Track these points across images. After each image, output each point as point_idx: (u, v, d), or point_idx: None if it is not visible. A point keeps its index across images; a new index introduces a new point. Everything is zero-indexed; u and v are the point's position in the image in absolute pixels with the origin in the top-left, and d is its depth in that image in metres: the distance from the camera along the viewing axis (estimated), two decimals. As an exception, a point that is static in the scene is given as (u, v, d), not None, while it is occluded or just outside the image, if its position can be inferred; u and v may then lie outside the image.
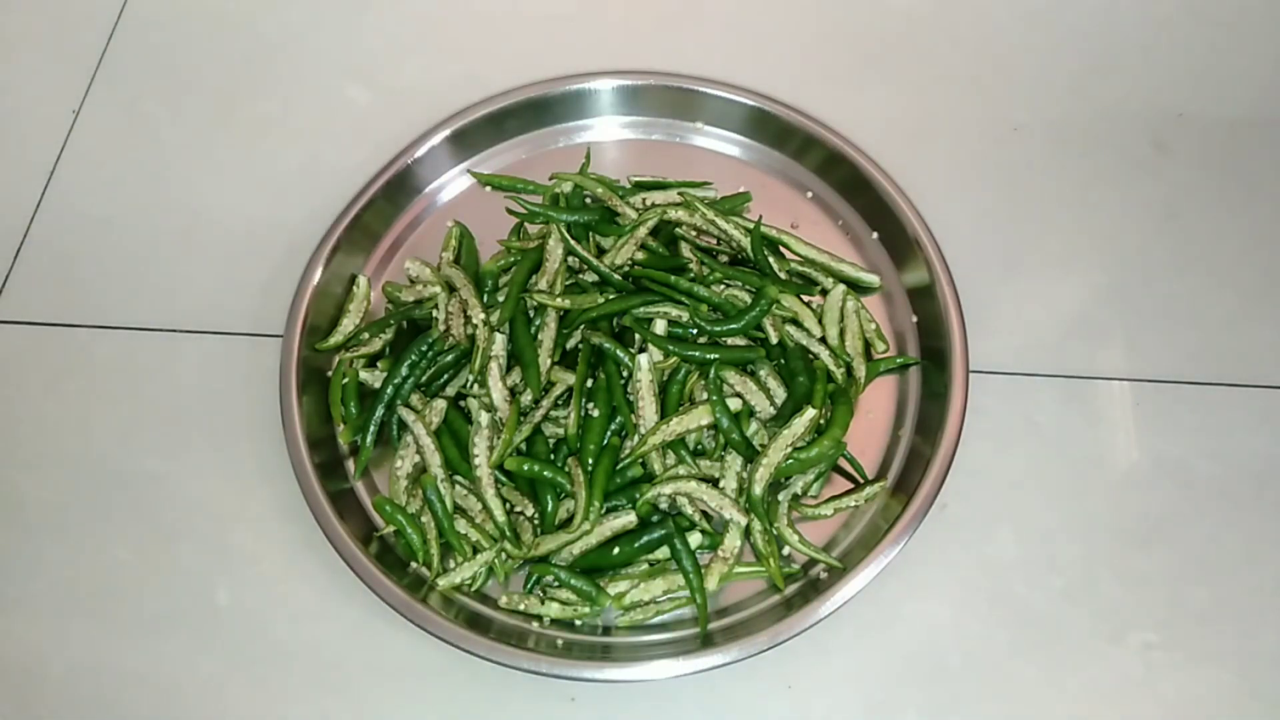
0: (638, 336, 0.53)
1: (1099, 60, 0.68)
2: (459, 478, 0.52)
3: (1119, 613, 0.51)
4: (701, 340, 0.53)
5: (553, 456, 0.52)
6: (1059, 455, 0.54)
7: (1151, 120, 0.65)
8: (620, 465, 0.51)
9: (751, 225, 0.57)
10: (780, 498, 0.51)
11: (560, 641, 0.48)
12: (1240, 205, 0.62)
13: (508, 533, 0.50)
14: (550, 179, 0.61)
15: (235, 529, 0.53)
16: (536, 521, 0.51)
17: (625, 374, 0.53)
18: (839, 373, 0.54)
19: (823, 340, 0.55)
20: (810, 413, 0.50)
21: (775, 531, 0.50)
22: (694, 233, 0.58)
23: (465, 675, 0.49)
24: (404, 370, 0.53)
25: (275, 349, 0.55)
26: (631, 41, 0.69)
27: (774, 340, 0.54)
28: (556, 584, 0.50)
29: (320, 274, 0.56)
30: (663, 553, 0.50)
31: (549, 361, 0.53)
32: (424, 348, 0.54)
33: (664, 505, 0.51)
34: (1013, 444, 0.55)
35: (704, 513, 0.51)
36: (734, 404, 0.52)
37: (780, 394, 0.53)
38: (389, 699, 0.49)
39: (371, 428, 0.53)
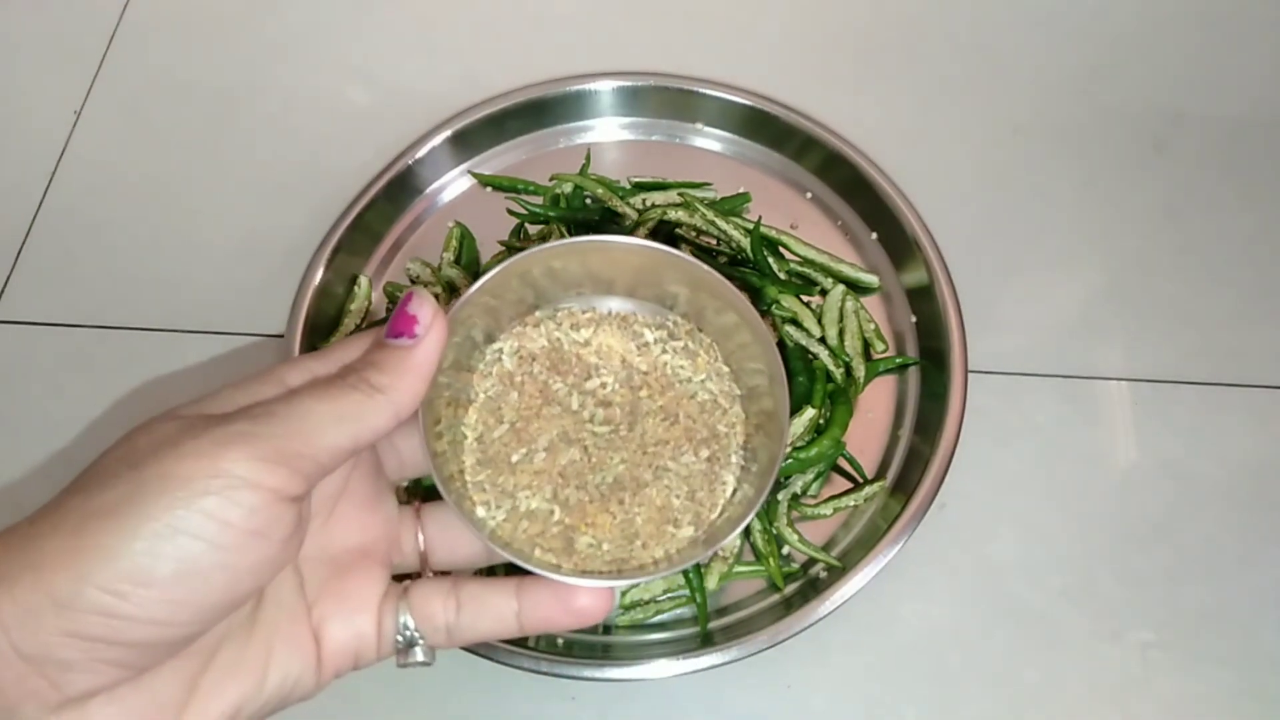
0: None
1: (1099, 60, 0.68)
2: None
3: (1118, 612, 0.51)
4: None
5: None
6: (1058, 455, 0.55)
7: (1151, 120, 0.65)
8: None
9: (751, 226, 0.57)
10: (780, 497, 0.51)
11: (560, 641, 0.48)
12: (1241, 205, 0.62)
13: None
14: (550, 180, 0.61)
15: (236, 529, 0.53)
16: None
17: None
18: (838, 373, 0.54)
19: (822, 340, 0.55)
20: (810, 412, 0.50)
21: (775, 531, 0.50)
22: (694, 233, 0.58)
23: (464, 674, 0.49)
24: (404, 370, 0.53)
25: (277, 349, 0.55)
26: (631, 42, 0.69)
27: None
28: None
29: (321, 274, 0.56)
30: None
31: (549, 361, 0.53)
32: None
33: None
34: (1012, 444, 0.55)
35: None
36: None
37: (780, 394, 0.53)
38: (387, 698, 0.49)
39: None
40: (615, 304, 0.35)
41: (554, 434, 0.33)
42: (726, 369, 0.35)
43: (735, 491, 0.34)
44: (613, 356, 0.35)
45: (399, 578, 0.33)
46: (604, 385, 0.34)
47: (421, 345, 0.29)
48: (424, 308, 0.29)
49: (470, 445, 0.34)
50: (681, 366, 0.35)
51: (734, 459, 0.34)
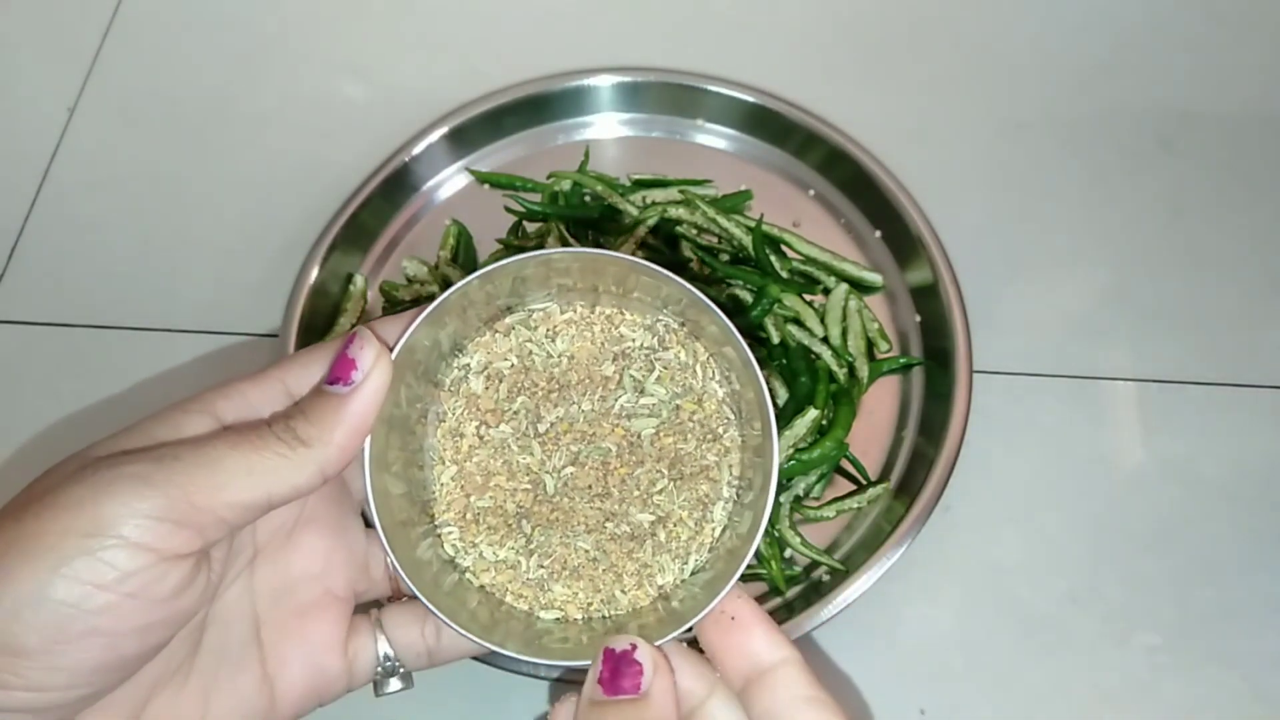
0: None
1: (1105, 57, 0.68)
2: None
3: (1124, 615, 0.50)
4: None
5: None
6: (1064, 456, 0.54)
7: (1158, 118, 0.65)
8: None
9: (753, 223, 0.56)
10: (782, 499, 0.51)
11: (559, 645, 0.48)
12: (1248, 203, 0.62)
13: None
14: (549, 177, 0.60)
15: (231, 531, 0.53)
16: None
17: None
18: (841, 373, 0.53)
19: (825, 340, 0.54)
20: (812, 413, 0.50)
21: (777, 534, 0.50)
22: (695, 231, 0.58)
23: (464, 674, 0.48)
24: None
25: (272, 349, 0.55)
26: (632, 37, 0.68)
27: (776, 340, 0.53)
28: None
29: (317, 273, 0.55)
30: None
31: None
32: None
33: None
34: (1017, 445, 0.54)
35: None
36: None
37: (782, 394, 0.52)
38: (387, 699, 0.49)
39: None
40: (601, 300, 0.32)
41: (522, 479, 0.31)
42: (720, 389, 0.32)
43: (725, 530, 0.32)
44: (592, 386, 0.32)
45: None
46: (586, 430, 0.32)
47: (357, 394, 0.26)
48: (364, 351, 0.26)
49: (436, 476, 0.31)
50: (675, 396, 0.32)
51: (722, 502, 0.32)
